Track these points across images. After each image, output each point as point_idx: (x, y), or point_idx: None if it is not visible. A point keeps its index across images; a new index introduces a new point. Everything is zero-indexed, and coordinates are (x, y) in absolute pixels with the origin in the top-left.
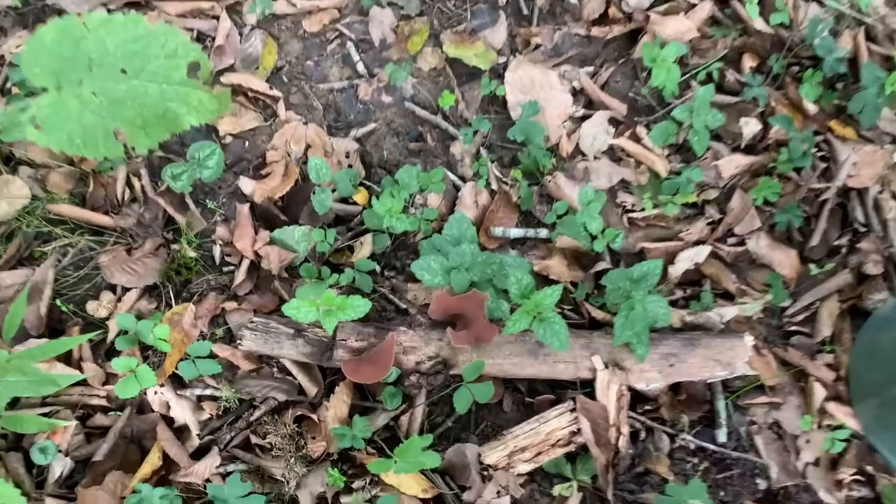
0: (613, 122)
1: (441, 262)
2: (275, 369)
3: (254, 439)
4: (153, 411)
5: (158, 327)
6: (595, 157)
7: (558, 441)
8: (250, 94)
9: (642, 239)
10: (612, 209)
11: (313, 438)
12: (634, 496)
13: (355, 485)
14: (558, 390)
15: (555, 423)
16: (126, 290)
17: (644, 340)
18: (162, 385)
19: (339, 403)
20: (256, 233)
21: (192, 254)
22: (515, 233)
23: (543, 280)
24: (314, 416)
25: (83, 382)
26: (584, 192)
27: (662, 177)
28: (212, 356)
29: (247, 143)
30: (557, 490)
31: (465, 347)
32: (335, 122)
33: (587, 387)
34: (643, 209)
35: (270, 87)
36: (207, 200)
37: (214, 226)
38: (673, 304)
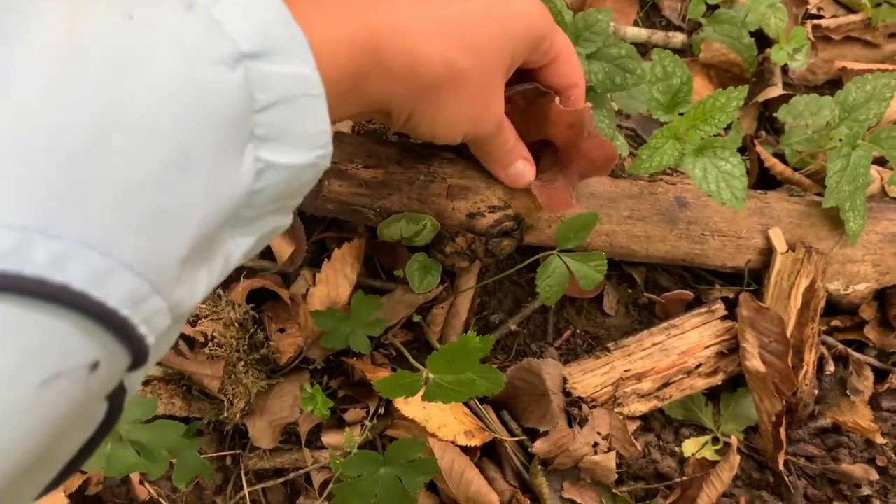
0: None
1: None
2: None
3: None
4: None
5: None
6: None
7: (698, 367)
8: None
9: (835, 58)
10: (789, 11)
11: (281, 331)
12: (816, 466)
13: (349, 416)
14: (699, 285)
15: (694, 337)
16: None
17: (860, 207)
18: None
19: (335, 277)
20: None
21: None
22: (633, 33)
23: None
24: (285, 295)
25: None
26: None
27: None
28: None
29: None
30: (689, 448)
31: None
32: None
33: (752, 282)
34: (836, 15)
35: None
36: None
37: None
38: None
